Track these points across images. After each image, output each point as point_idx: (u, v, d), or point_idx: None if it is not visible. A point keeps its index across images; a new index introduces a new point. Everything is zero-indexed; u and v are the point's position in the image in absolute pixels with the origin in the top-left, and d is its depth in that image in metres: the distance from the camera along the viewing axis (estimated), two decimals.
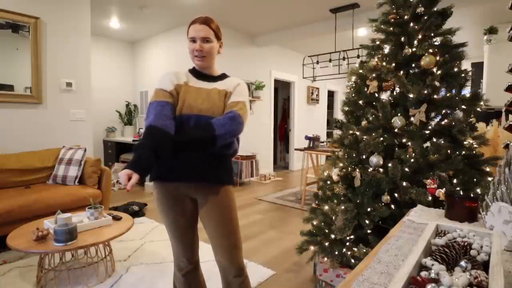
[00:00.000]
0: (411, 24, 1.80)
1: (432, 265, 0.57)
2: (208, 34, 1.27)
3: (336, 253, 1.84)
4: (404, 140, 1.74)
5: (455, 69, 1.73)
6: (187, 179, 1.27)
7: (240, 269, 1.34)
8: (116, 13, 4.50)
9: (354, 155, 1.85)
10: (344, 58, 4.30)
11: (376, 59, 1.90)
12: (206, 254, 2.37)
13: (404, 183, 1.65)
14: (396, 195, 1.68)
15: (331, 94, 8.59)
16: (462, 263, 0.58)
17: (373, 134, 1.79)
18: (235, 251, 1.33)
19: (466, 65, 1.93)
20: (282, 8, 4.33)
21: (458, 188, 1.61)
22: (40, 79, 3.26)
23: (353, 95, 1.97)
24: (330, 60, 4.50)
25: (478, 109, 1.71)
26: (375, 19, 1.93)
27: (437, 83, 1.72)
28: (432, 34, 1.77)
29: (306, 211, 2.44)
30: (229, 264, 1.32)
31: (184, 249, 1.38)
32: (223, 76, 1.39)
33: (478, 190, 1.57)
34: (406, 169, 1.66)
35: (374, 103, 1.87)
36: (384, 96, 1.91)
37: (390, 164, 1.69)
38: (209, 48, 1.29)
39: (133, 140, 5.10)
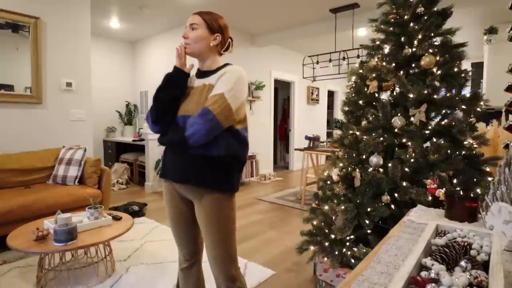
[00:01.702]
0: (411, 24, 1.80)
1: (432, 265, 0.57)
2: (195, 21, 1.25)
3: (336, 253, 1.84)
4: (404, 140, 1.74)
5: (455, 69, 1.73)
6: (176, 179, 1.27)
7: (230, 280, 1.27)
8: (116, 13, 4.50)
9: (354, 155, 1.85)
10: (344, 58, 4.30)
11: (376, 59, 1.91)
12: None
13: (404, 183, 1.65)
14: (396, 195, 1.68)
15: (331, 94, 8.59)
16: (462, 263, 0.58)
17: (373, 134, 1.79)
18: (222, 261, 1.25)
19: (466, 65, 1.93)
20: (282, 8, 4.33)
21: (458, 188, 1.61)
22: (40, 79, 3.26)
23: (353, 95, 1.97)
24: (330, 60, 4.50)
25: (478, 109, 1.71)
26: (375, 19, 1.93)
27: (437, 83, 1.71)
28: (432, 34, 1.77)
29: (306, 211, 2.44)
30: (218, 273, 1.27)
31: (181, 245, 1.39)
32: (218, 69, 1.28)
33: (478, 190, 1.56)
34: (406, 169, 1.66)
35: (374, 103, 1.87)
36: (384, 96, 1.91)
37: (390, 164, 1.69)
38: (194, 36, 1.23)
39: (133, 140, 5.10)
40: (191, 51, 1.27)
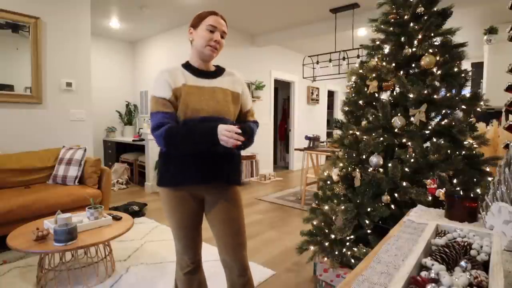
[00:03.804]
0: (411, 24, 1.80)
1: (432, 265, 0.57)
2: (226, 31, 1.32)
3: (336, 253, 1.84)
4: (404, 140, 1.74)
5: (455, 69, 1.72)
6: (198, 181, 1.26)
7: (243, 269, 1.35)
8: (116, 13, 4.50)
9: (354, 155, 1.85)
10: (344, 58, 4.30)
11: (376, 59, 1.90)
12: (208, 254, 2.37)
13: (404, 183, 1.65)
14: (396, 195, 1.68)
15: (331, 94, 8.59)
16: (462, 263, 0.58)
17: (373, 134, 1.79)
18: (240, 249, 1.34)
19: (466, 65, 1.93)
20: (282, 8, 4.33)
21: (458, 188, 1.61)
22: (40, 79, 3.26)
23: (353, 95, 1.97)
24: (330, 60, 4.50)
25: (478, 109, 1.70)
26: (375, 19, 1.93)
27: (437, 83, 1.71)
28: (432, 34, 1.77)
29: (306, 211, 2.44)
30: (234, 263, 1.33)
31: (187, 249, 1.38)
32: (219, 72, 1.36)
33: (478, 190, 1.56)
34: (406, 169, 1.66)
35: (374, 103, 1.87)
36: (384, 96, 1.91)
37: (390, 164, 1.69)
38: (222, 44, 1.32)
39: (133, 140, 5.10)
40: (215, 56, 1.32)
